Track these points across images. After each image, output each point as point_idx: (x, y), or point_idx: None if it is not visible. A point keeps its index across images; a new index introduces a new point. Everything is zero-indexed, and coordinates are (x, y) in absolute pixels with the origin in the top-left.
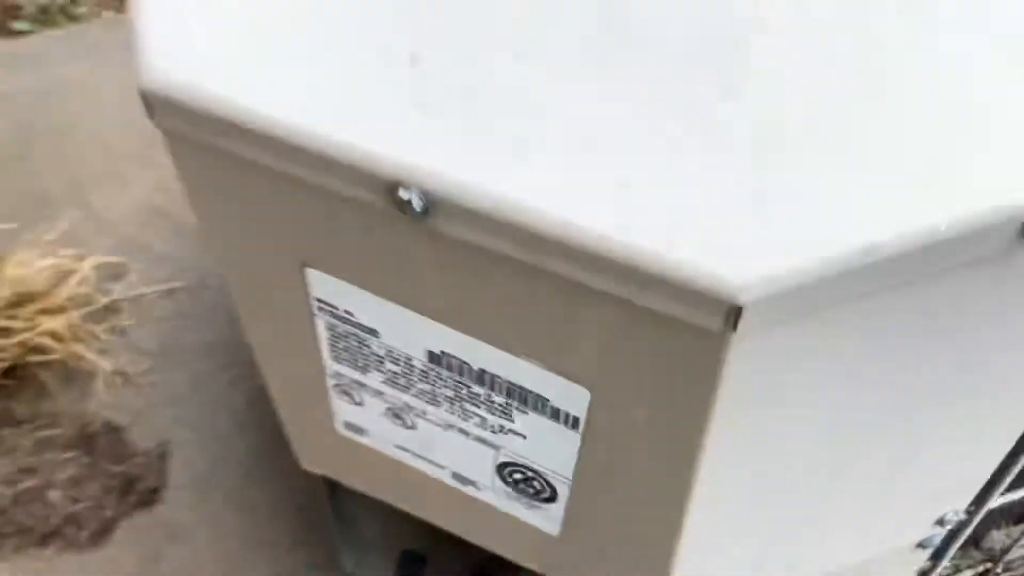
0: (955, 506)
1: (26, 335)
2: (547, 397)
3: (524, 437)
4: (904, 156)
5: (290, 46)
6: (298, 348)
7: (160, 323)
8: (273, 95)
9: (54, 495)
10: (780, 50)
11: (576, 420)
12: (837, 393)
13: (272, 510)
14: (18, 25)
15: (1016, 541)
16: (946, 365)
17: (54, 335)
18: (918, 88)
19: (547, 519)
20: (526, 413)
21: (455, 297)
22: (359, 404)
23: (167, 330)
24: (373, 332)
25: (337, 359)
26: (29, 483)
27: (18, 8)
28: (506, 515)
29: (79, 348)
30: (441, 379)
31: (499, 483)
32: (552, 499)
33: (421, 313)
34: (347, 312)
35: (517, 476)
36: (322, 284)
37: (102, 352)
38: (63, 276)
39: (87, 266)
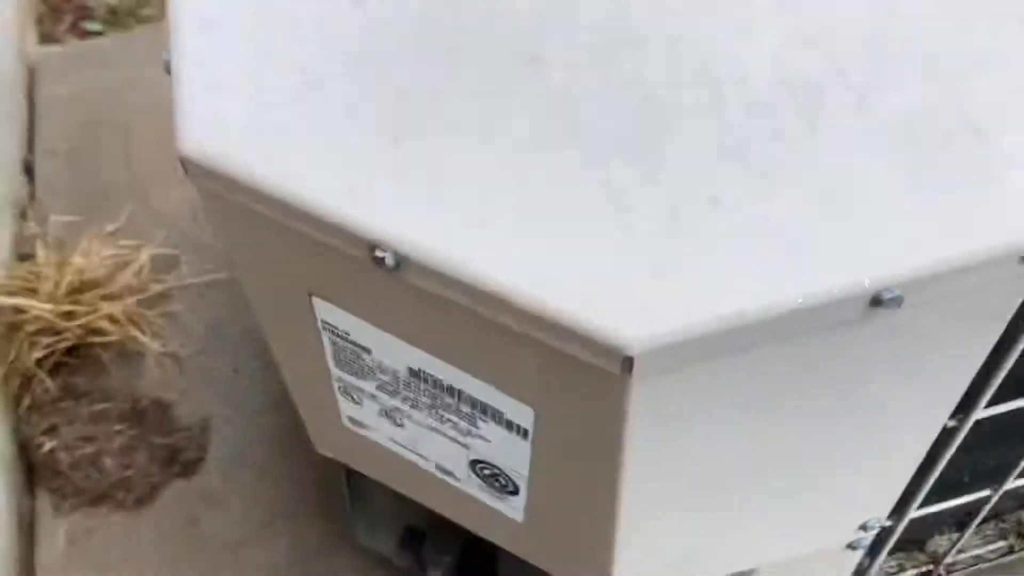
0: (875, 514)
1: (88, 318)
2: (502, 411)
3: (488, 441)
4: (779, 238)
5: (300, 127)
6: (308, 356)
7: (206, 311)
8: (285, 169)
9: (107, 462)
10: (693, 143)
11: (526, 431)
12: (736, 424)
13: (298, 483)
14: (89, 26)
15: (954, 546)
16: (828, 404)
17: (112, 319)
18: (798, 177)
19: (512, 508)
20: (487, 422)
21: (424, 329)
22: (358, 403)
23: (212, 317)
24: (366, 349)
25: (339, 367)
26: (86, 450)
27: (90, 10)
28: (481, 502)
29: (134, 331)
30: (420, 390)
31: (472, 476)
32: (515, 492)
33: (401, 338)
34: (345, 332)
35: (486, 472)
36: (325, 310)
37: (154, 335)
38: (122, 265)
39: (144, 256)
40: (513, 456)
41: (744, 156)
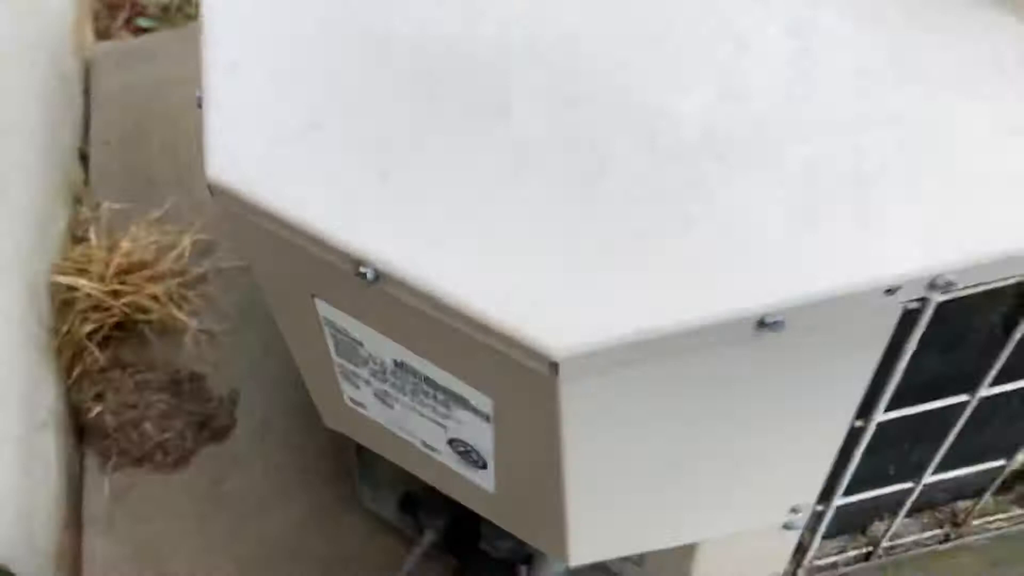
0: (803, 500)
1: (133, 297)
2: (467, 398)
3: (460, 423)
4: (690, 269)
5: (304, 161)
6: (314, 344)
7: (240, 293)
8: (290, 197)
9: (148, 426)
10: (627, 184)
11: (488, 416)
12: (658, 422)
13: (315, 452)
14: (142, 22)
15: (887, 532)
16: (736, 409)
17: (155, 298)
18: (711, 214)
19: (485, 480)
20: (458, 407)
21: (402, 329)
22: (357, 387)
23: (245, 299)
24: (359, 343)
25: (339, 355)
26: (129, 415)
27: (143, 7)
28: (460, 475)
29: (174, 310)
30: (403, 378)
31: (450, 452)
32: (484, 467)
33: (385, 336)
34: (343, 327)
35: (461, 449)
36: (326, 309)
37: (192, 314)
38: (165, 249)
39: (185, 242)
40: (480, 436)
41: (666, 198)
